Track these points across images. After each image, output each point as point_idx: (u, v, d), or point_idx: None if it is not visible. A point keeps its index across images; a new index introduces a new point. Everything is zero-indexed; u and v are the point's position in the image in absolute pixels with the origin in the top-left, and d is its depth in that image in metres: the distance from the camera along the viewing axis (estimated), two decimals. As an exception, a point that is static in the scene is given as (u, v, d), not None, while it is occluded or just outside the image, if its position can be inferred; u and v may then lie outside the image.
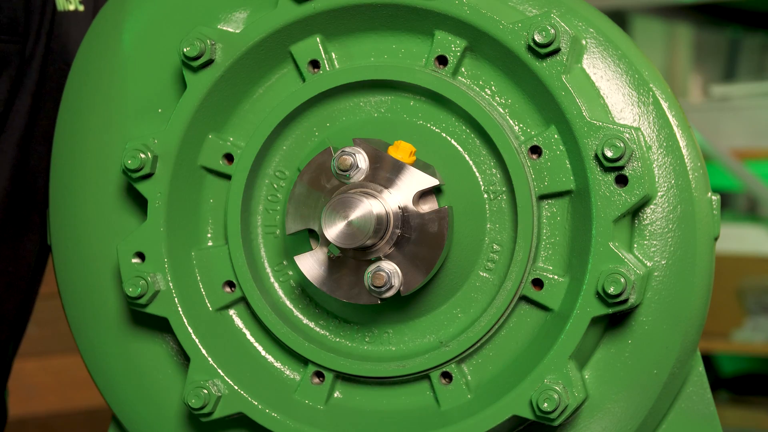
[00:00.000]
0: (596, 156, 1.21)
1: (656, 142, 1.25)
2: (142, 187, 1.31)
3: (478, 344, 1.27)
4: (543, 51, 1.22)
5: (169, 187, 1.31)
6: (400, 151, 1.24)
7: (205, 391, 1.29)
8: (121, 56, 1.37)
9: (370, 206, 1.20)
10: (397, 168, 1.23)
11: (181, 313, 1.32)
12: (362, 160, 1.23)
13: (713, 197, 1.26)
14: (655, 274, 1.24)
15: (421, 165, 1.25)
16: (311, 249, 1.27)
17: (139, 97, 1.36)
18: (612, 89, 1.25)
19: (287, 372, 1.34)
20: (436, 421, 1.27)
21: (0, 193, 1.58)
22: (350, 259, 1.25)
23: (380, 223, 1.21)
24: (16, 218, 1.62)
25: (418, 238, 1.23)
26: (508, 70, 1.25)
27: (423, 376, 1.29)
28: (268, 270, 1.34)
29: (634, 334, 1.25)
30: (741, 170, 3.80)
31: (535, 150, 1.25)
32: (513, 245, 1.26)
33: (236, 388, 1.30)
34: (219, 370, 1.30)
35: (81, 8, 1.61)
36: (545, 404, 1.20)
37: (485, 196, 1.27)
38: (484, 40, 1.25)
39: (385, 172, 1.23)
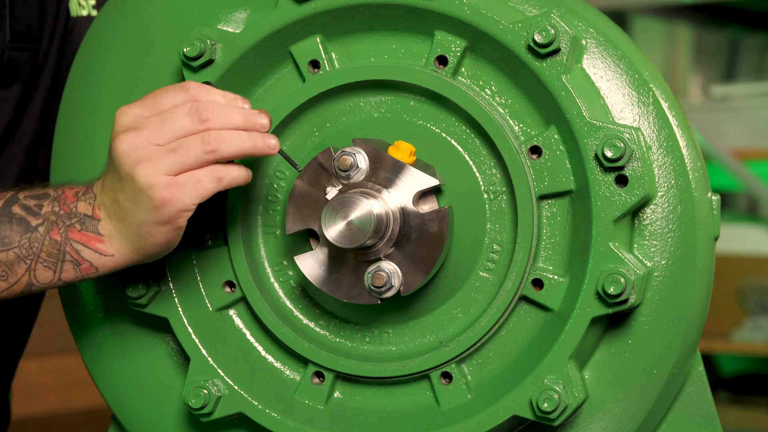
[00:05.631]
0: (596, 156, 1.21)
1: (656, 142, 1.24)
2: (142, 187, 1.31)
3: (478, 344, 1.27)
4: (543, 51, 1.21)
5: (169, 187, 1.31)
6: (400, 151, 1.24)
7: (205, 391, 1.29)
8: (121, 57, 1.37)
9: (370, 206, 1.20)
10: (397, 168, 1.23)
11: (181, 313, 1.32)
12: (362, 160, 1.23)
13: (713, 197, 1.26)
14: (655, 274, 1.24)
15: (421, 165, 1.25)
16: (311, 249, 1.27)
17: (139, 98, 1.36)
18: (612, 89, 1.25)
19: (287, 372, 1.34)
20: (436, 421, 1.27)
21: None
22: (350, 259, 1.25)
23: (380, 223, 1.21)
24: None
25: (418, 238, 1.23)
26: (508, 70, 1.25)
27: (423, 376, 1.29)
28: (268, 270, 1.34)
29: (634, 334, 1.25)
30: (741, 170, 3.80)
31: (535, 150, 1.25)
32: (513, 245, 1.26)
33: (236, 388, 1.30)
34: (219, 370, 1.30)
35: (94, 13, 1.61)
36: (545, 404, 1.20)
37: (485, 196, 1.27)
38: (484, 40, 1.24)
39: (385, 172, 1.23)
